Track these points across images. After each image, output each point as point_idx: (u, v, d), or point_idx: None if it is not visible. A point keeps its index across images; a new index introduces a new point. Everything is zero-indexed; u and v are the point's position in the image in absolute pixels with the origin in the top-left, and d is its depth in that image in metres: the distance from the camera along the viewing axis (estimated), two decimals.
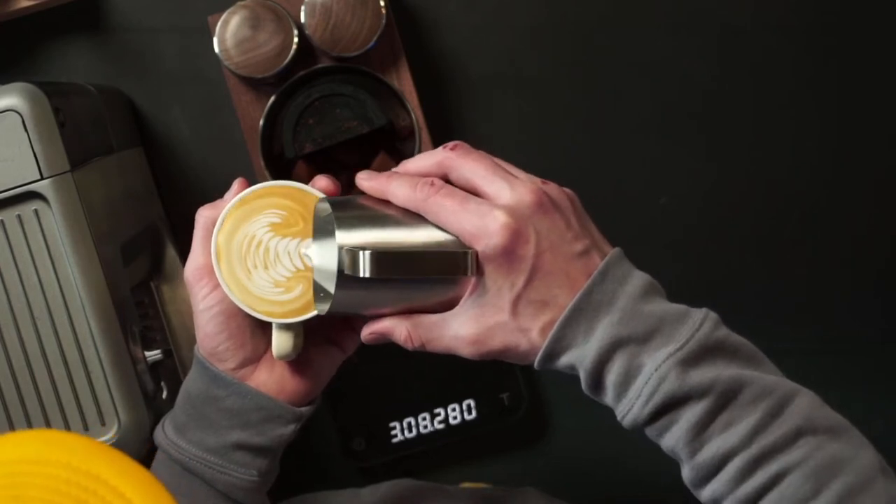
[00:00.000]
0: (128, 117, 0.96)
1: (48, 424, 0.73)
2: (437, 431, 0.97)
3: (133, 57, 0.97)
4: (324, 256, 0.71)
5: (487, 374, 0.98)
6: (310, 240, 0.71)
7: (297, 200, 0.71)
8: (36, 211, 0.73)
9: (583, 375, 0.65)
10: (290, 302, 0.70)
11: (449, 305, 0.68)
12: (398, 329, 0.69)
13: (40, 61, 0.96)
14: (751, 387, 0.62)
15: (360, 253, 0.64)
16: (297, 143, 0.92)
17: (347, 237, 0.66)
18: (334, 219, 0.67)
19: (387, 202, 0.69)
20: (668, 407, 0.62)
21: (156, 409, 0.77)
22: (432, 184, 0.67)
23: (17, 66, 0.96)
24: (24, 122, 0.72)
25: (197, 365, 0.74)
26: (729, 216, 0.99)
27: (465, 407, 0.98)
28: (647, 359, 0.63)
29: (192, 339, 0.95)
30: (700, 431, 0.62)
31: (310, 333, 0.73)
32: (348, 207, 0.69)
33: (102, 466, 0.47)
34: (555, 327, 0.64)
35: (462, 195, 0.66)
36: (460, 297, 0.67)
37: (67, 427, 0.73)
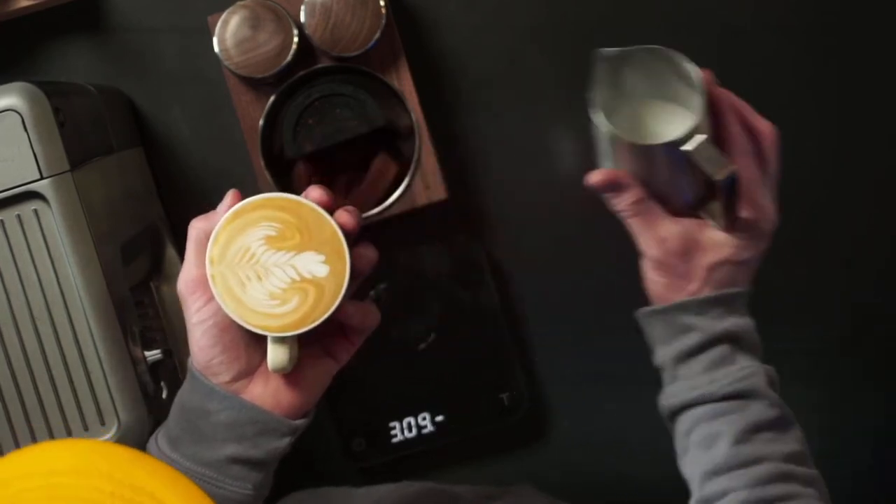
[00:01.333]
0: (128, 117, 0.96)
1: (48, 424, 0.73)
2: (437, 431, 0.97)
3: (133, 57, 0.97)
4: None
5: (487, 374, 0.98)
6: (308, 253, 0.71)
7: (293, 213, 0.71)
8: (36, 211, 0.73)
9: (697, 338, 0.78)
10: (286, 315, 0.70)
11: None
12: (632, 193, 0.82)
13: (40, 61, 0.96)
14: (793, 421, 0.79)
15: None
16: (297, 143, 0.92)
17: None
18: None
19: None
20: (739, 397, 0.76)
21: (156, 409, 0.77)
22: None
23: (17, 66, 0.96)
24: (23, 121, 0.72)
25: (191, 378, 0.74)
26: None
27: (465, 407, 0.98)
28: (740, 358, 0.78)
29: None
30: (754, 432, 0.75)
31: (304, 345, 0.73)
32: None
33: (146, 477, 0.46)
34: (718, 292, 0.79)
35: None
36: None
37: (67, 427, 0.73)
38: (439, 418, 0.98)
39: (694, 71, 0.78)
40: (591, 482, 1.02)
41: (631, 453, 1.01)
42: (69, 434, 0.73)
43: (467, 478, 1.01)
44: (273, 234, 0.71)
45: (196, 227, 0.74)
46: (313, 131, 0.92)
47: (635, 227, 0.82)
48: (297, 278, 0.71)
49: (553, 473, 1.02)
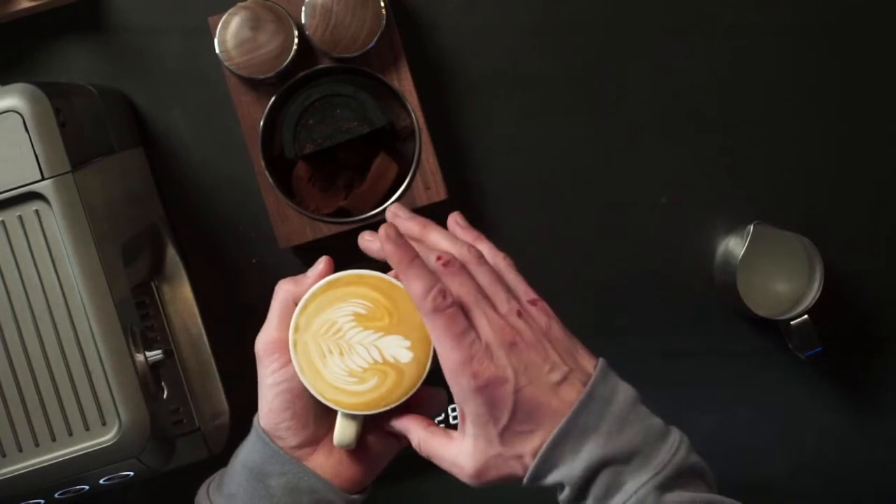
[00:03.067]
0: (128, 117, 0.96)
1: (49, 424, 0.73)
2: None
3: (133, 57, 0.97)
4: None
5: None
6: (394, 336, 0.71)
7: (386, 294, 0.72)
8: (37, 211, 0.73)
9: (568, 491, 0.68)
10: (362, 394, 0.71)
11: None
12: (413, 435, 0.73)
13: (40, 61, 0.96)
14: None
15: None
16: (298, 143, 0.92)
17: None
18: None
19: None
20: None
21: (156, 409, 0.77)
22: (444, 296, 0.69)
23: (18, 67, 0.96)
24: (24, 122, 0.72)
25: (256, 438, 0.74)
26: (729, 216, 0.99)
27: None
28: (628, 478, 0.67)
29: (193, 340, 0.95)
30: None
31: (369, 422, 0.73)
32: None
33: None
34: (541, 451, 0.68)
35: (462, 326, 0.68)
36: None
37: (69, 427, 0.73)
38: (439, 418, 0.98)
39: None
40: None
41: None
42: (70, 434, 0.73)
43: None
44: (362, 311, 0.71)
45: (284, 288, 0.74)
46: (313, 132, 0.92)
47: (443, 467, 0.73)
48: (380, 360, 0.71)
49: None
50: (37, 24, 0.95)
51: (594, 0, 0.97)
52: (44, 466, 0.73)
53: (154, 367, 0.77)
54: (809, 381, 1.01)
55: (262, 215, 0.94)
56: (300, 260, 0.99)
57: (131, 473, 0.76)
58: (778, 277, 0.96)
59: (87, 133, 0.81)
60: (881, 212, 1.01)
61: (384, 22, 0.90)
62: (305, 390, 0.72)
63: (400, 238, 0.71)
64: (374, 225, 0.92)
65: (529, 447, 0.68)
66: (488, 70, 0.98)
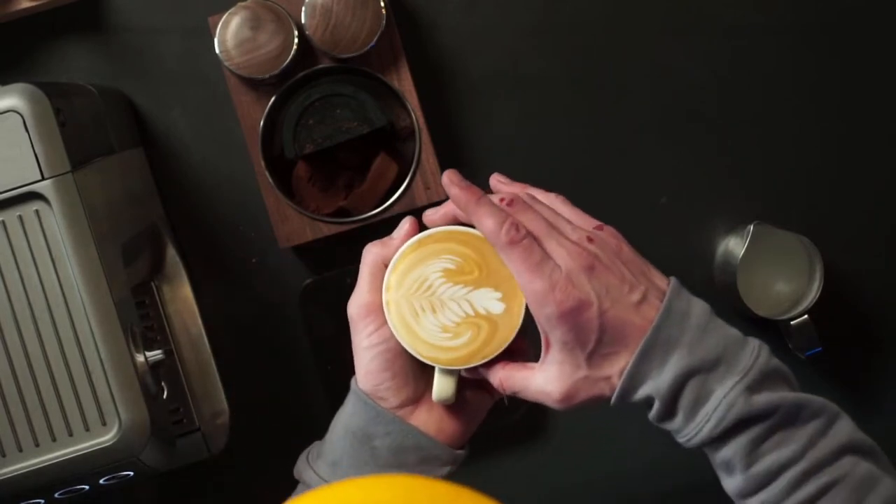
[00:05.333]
0: (128, 117, 0.96)
1: (49, 424, 0.73)
2: None
3: (133, 57, 0.97)
4: None
5: None
6: (485, 289, 0.71)
7: (475, 248, 0.72)
8: (37, 211, 0.73)
9: (658, 404, 0.68)
10: (457, 349, 0.71)
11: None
12: (493, 377, 0.72)
13: (40, 61, 0.96)
14: (805, 409, 0.68)
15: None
16: (298, 143, 0.92)
17: None
18: None
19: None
20: (736, 427, 0.67)
21: (156, 409, 0.77)
22: (517, 229, 0.69)
23: (18, 67, 0.96)
24: (24, 122, 0.72)
25: (357, 401, 0.74)
26: (729, 216, 0.99)
27: None
28: (716, 385, 0.68)
29: (193, 340, 0.95)
30: (758, 445, 0.68)
31: (465, 376, 0.74)
32: None
33: None
34: (629, 366, 0.68)
35: (539, 255, 0.69)
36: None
37: (69, 427, 0.73)
38: None
39: None
40: (590, 481, 1.02)
41: (630, 452, 1.02)
42: (70, 434, 0.73)
43: (467, 477, 1.01)
44: (452, 267, 0.72)
45: (372, 251, 0.74)
46: (313, 132, 0.92)
47: (529, 398, 0.73)
48: (472, 313, 0.71)
49: (552, 472, 1.03)
50: (37, 24, 0.95)
51: (594, 0, 0.97)
52: (44, 466, 0.73)
53: (154, 367, 0.77)
54: (809, 381, 1.01)
55: (262, 215, 0.94)
56: (300, 260, 0.99)
57: (131, 473, 0.76)
58: (778, 277, 0.96)
59: (87, 133, 0.81)
60: (881, 212, 1.01)
61: (384, 22, 0.90)
62: (402, 350, 0.72)
63: (464, 180, 0.72)
64: (374, 225, 0.92)
65: (617, 367, 0.69)
66: (488, 70, 0.98)
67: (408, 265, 0.72)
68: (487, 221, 0.69)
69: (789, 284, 0.96)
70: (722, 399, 0.67)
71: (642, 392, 0.69)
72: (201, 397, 0.95)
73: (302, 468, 0.76)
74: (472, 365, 0.72)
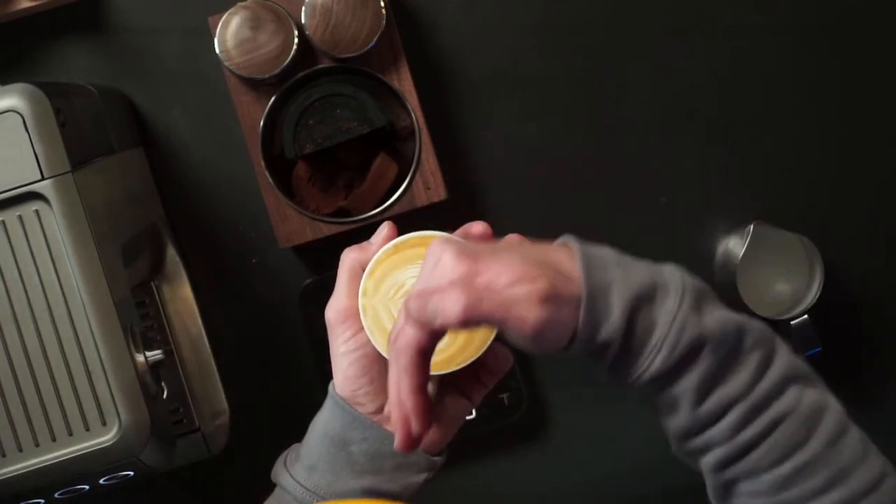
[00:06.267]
0: (128, 117, 0.96)
1: (49, 424, 0.73)
2: None
3: (133, 57, 0.97)
4: None
5: None
6: None
7: None
8: (37, 211, 0.73)
9: (617, 346, 0.63)
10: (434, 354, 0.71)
11: None
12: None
13: (40, 61, 0.96)
14: (747, 335, 0.64)
15: None
16: (298, 143, 0.92)
17: None
18: None
19: None
20: (690, 353, 0.63)
21: (156, 409, 0.77)
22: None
23: (18, 67, 0.96)
24: (24, 122, 0.72)
25: (335, 406, 0.74)
26: (729, 216, 0.99)
27: None
28: (659, 309, 0.63)
29: (193, 340, 0.95)
30: (708, 380, 0.63)
31: (443, 383, 0.73)
32: None
33: None
34: (581, 314, 0.62)
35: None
36: None
37: (69, 427, 0.73)
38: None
39: None
40: (590, 481, 1.02)
41: (630, 452, 1.02)
42: (70, 434, 0.73)
43: (467, 477, 1.01)
44: None
45: (350, 256, 0.74)
46: (313, 132, 0.92)
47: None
48: None
49: (552, 472, 1.03)
50: (37, 24, 0.95)
51: (594, 0, 0.97)
52: (44, 466, 0.73)
53: (154, 367, 0.77)
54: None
55: (262, 215, 0.94)
56: (300, 260, 0.99)
57: (131, 473, 0.76)
58: (778, 277, 0.96)
59: (87, 133, 0.81)
60: (881, 212, 1.01)
61: (384, 22, 0.90)
62: (380, 355, 0.72)
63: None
64: (374, 225, 0.92)
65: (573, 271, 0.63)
66: (488, 70, 0.98)
67: (384, 270, 0.72)
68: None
69: (789, 284, 0.96)
70: (671, 323, 0.63)
71: (602, 336, 0.63)
72: (201, 397, 0.95)
73: (279, 472, 0.75)
74: (449, 370, 0.71)
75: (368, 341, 0.72)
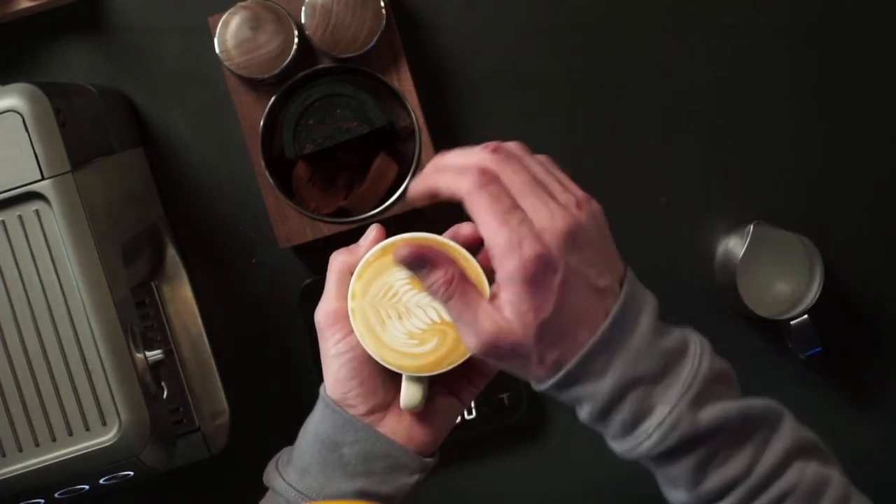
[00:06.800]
0: (128, 117, 0.96)
1: (49, 424, 0.73)
2: None
3: (133, 57, 0.97)
4: None
5: None
6: None
7: None
8: (37, 211, 0.73)
9: (590, 408, 0.65)
10: (423, 355, 0.71)
11: None
12: (448, 269, 0.67)
13: (40, 61, 0.96)
14: (749, 420, 0.65)
15: None
16: (298, 143, 0.92)
17: None
18: None
19: None
20: (681, 446, 0.64)
21: (156, 409, 0.77)
22: (483, 173, 0.65)
23: (18, 67, 0.96)
24: (24, 122, 0.72)
25: (325, 408, 0.74)
26: (729, 216, 0.99)
27: None
28: (658, 400, 0.64)
29: (193, 340, 0.95)
30: (704, 466, 0.65)
31: (434, 384, 0.73)
32: None
33: None
34: (574, 361, 0.64)
35: (508, 204, 0.64)
36: None
37: (69, 427, 0.73)
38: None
39: None
40: (590, 481, 1.02)
41: None
42: (70, 434, 0.73)
43: (468, 477, 1.01)
44: None
45: (339, 259, 0.74)
46: (313, 132, 0.92)
47: (453, 313, 0.68)
48: (438, 320, 0.71)
49: (552, 472, 1.03)
50: (37, 24, 0.95)
51: (594, 0, 0.97)
52: (44, 466, 0.73)
53: (154, 367, 0.77)
54: (809, 381, 1.01)
55: (262, 215, 0.94)
56: (300, 260, 0.99)
57: (131, 473, 0.76)
58: (778, 277, 0.96)
59: (87, 133, 0.81)
60: (881, 212, 1.01)
61: (384, 22, 0.90)
62: (369, 357, 0.72)
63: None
64: None
65: (554, 353, 0.65)
66: (488, 70, 0.98)
67: (373, 273, 0.71)
68: (449, 175, 0.66)
69: (789, 284, 0.96)
70: (666, 416, 0.64)
71: (576, 392, 0.65)
72: (201, 397, 0.95)
73: (271, 475, 0.75)
74: (439, 371, 0.71)
75: (358, 344, 0.72)
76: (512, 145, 0.68)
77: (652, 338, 0.65)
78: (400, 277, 0.71)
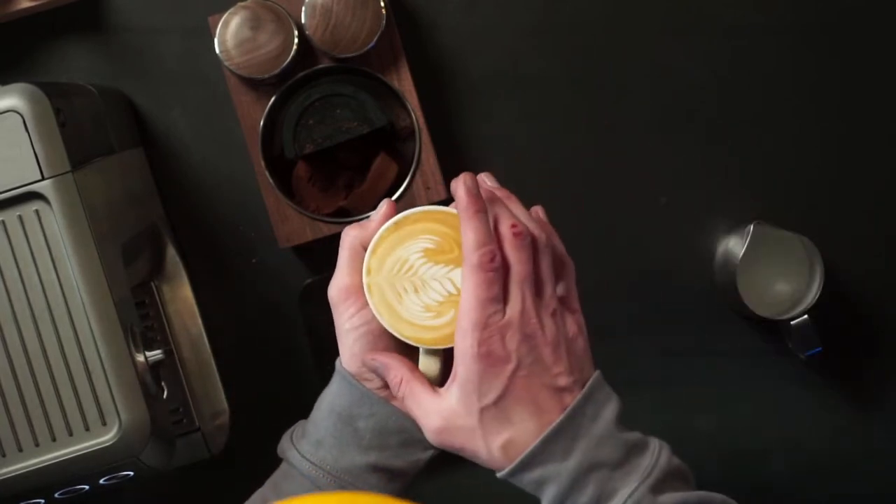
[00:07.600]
0: (128, 117, 0.96)
1: (50, 424, 0.73)
2: None
3: (133, 57, 0.97)
4: None
5: None
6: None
7: (453, 226, 0.71)
8: (37, 211, 0.73)
9: (555, 489, 0.68)
10: (440, 328, 0.71)
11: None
12: (395, 373, 0.72)
13: (40, 61, 0.96)
14: None
15: None
16: (298, 143, 0.92)
17: None
18: None
19: None
20: None
21: (156, 409, 0.77)
22: (492, 258, 0.68)
23: (18, 67, 0.96)
24: (24, 122, 0.72)
25: (342, 381, 0.74)
26: (729, 216, 0.99)
27: None
28: (619, 484, 0.67)
29: (193, 340, 0.95)
30: None
31: (450, 358, 0.73)
32: None
33: None
34: (533, 446, 0.67)
35: (494, 293, 0.68)
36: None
37: (69, 426, 0.73)
38: None
39: None
40: None
41: None
42: (70, 434, 0.73)
43: (468, 477, 1.01)
44: (432, 246, 0.71)
45: (351, 234, 0.74)
46: (313, 132, 0.92)
47: (408, 412, 0.72)
48: (454, 292, 0.71)
49: None
50: (37, 24, 0.95)
51: (594, 0, 0.97)
52: (44, 466, 0.73)
53: (154, 367, 0.77)
54: (809, 381, 1.01)
55: (262, 215, 0.94)
56: (300, 260, 0.99)
57: (131, 473, 0.76)
58: (778, 277, 0.96)
59: (87, 133, 0.81)
60: (881, 212, 1.01)
61: (384, 22, 0.90)
62: (384, 330, 0.72)
63: (475, 188, 0.70)
64: None
65: (500, 438, 0.68)
66: (488, 70, 0.98)
67: (387, 247, 0.71)
68: (471, 235, 0.68)
69: (789, 284, 0.96)
70: (627, 497, 0.66)
71: (538, 473, 0.68)
72: (201, 397, 0.95)
73: (286, 447, 0.75)
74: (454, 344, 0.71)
75: (373, 317, 0.72)
76: (538, 235, 0.71)
77: (614, 429, 0.68)
78: (415, 251, 0.71)
